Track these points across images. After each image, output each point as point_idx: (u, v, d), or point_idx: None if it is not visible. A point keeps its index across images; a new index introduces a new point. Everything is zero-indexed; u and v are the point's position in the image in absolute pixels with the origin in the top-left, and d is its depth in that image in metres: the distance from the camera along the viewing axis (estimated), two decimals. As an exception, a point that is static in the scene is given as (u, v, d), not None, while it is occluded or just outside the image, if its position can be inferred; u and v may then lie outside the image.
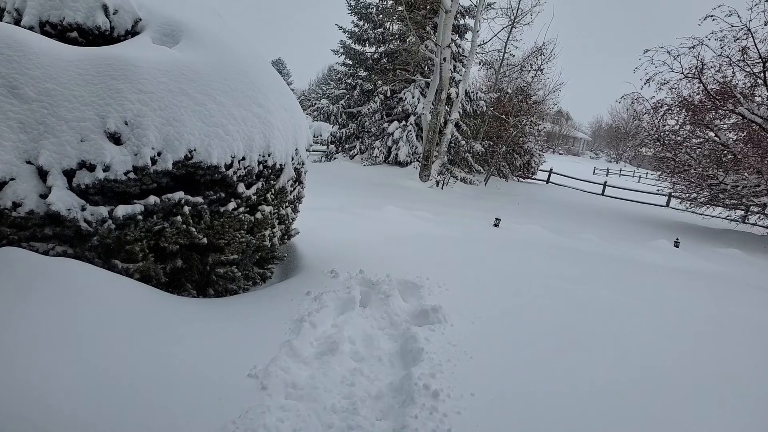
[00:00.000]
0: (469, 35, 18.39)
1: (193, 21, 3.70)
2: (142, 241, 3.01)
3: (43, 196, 2.68)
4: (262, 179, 3.62)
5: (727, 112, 12.99)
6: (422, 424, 2.30)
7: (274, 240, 3.98)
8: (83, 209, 2.75)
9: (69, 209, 2.70)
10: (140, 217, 2.92)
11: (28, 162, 2.68)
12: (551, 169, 21.88)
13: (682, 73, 13.40)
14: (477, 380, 2.75)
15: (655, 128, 14.88)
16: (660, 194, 18.30)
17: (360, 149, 18.44)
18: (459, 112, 17.23)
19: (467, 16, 18.49)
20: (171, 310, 2.88)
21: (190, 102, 3.12)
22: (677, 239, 9.76)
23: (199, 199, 3.20)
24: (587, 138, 63.52)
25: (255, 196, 3.58)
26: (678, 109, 14.06)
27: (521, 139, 19.42)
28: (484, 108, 18.30)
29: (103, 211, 2.80)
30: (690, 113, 13.67)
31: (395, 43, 18.43)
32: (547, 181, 21.64)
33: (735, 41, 12.46)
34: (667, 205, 18.70)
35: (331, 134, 19.25)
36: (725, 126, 13.76)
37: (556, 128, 51.19)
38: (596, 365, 3.07)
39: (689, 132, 14.20)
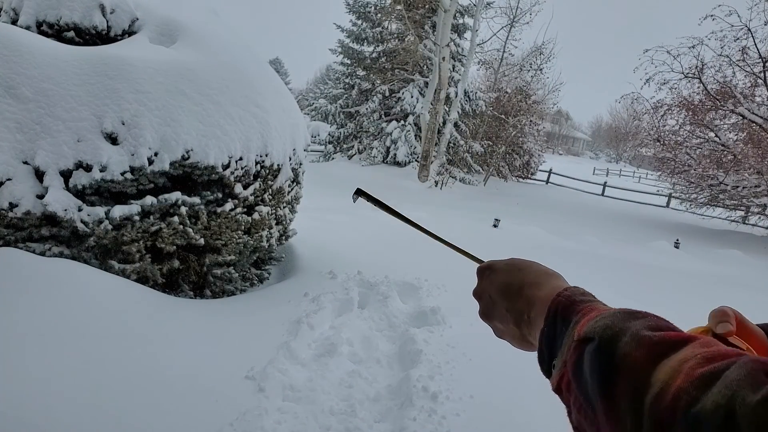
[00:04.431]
0: (468, 34, 18.34)
1: (191, 20, 3.68)
2: (139, 242, 3.00)
3: (40, 197, 2.66)
4: (259, 179, 3.60)
5: (727, 112, 12.98)
6: (421, 426, 2.29)
7: (271, 241, 3.97)
8: (80, 210, 2.74)
9: (65, 210, 2.69)
10: (137, 217, 2.90)
11: (25, 162, 2.67)
12: (551, 170, 21.84)
13: (682, 72, 13.39)
14: (476, 382, 2.74)
15: (655, 128, 14.86)
16: (660, 195, 18.28)
17: (358, 149, 18.41)
18: (458, 112, 17.21)
19: (466, 15, 18.45)
20: (168, 312, 2.86)
21: (187, 102, 3.10)
22: (677, 240, 9.75)
23: (196, 200, 3.19)
24: (587, 138, 63.50)
25: (252, 197, 3.56)
26: (678, 109, 14.05)
27: (521, 139, 19.39)
28: (483, 108, 18.26)
29: (100, 211, 2.79)
30: (690, 113, 13.66)
31: (394, 42, 18.40)
32: (547, 182, 21.62)
33: (735, 41, 12.45)
34: (667, 205, 18.68)
35: (329, 134, 19.20)
36: (725, 126, 13.75)
37: (555, 128, 51.15)
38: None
39: (689, 132, 14.19)
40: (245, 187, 3.49)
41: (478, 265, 0.65)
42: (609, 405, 0.36)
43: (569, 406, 0.42)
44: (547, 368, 0.49)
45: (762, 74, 12.05)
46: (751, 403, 0.27)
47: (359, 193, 0.82)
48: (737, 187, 12.89)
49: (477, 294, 0.64)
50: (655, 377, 0.33)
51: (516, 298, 0.57)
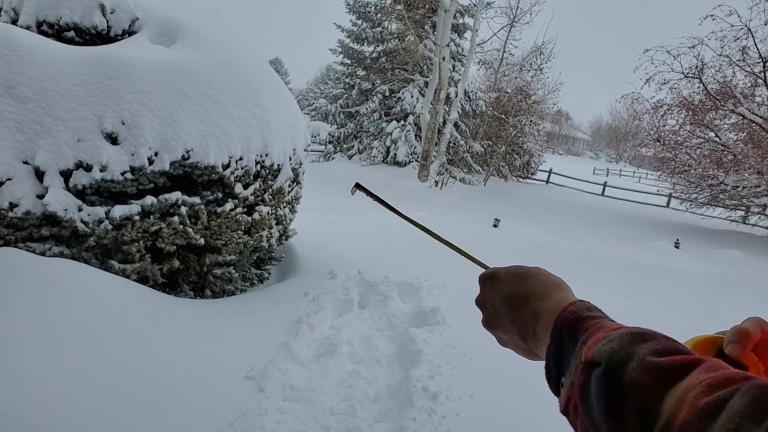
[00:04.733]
0: (468, 34, 18.33)
1: (191, 20, 3.68)
2: (139, 242, 3.00)
3: (40, 197, 2.66)
4: (259, 179, 3.60)
5: (727, 112, 12.97)
6: (421, 426, 2.29)
7: (271, 241, 3.97)
8: (80, 210, 2.74)
9: (66, 210, 2.69)
10: (137, 217, 2.90)
11: (25, 162, 2.66)
12: (551, 170, 21.83)
13: (683, 72, 13.38)
14: (476, 382, 2.74)
15: (655, 128, 14.84)
16: (660, 195, 18.27)
17: (358, 149, 18.40)
18: (458, 112, 17.20)
19: (466, 15, 18.44)
20: (168, 312, 2.86)
21: (187, 102, 3.10)
22: (677, 240, 9.73)
23: (196, 200, 3.19)
24: (587, 138, 63.47)
25: (252, 197, 3.56)
26: (678, 109, 14.03)
27: (521, 139, 19.39)
28: (484, 108, 18.26)
29: (100, 211, 2.79)
30: (690, 113, 13.64)
31: (394, 42, 18.40)
32: (547, 182, 21.61)
33: (735, 41, 12.43)
34: (668, 205, 18.68)
35: (329, 134, 19.20)
36: (725, 126, 13.73)
37: (555, 128, 51.10)
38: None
39: (689, 132, 14.17)
40: (245, 187, 3.49)
41: (481, 270, 0.63)
42: None
43: (576, 430, 0.42)
44: (555, 386, 0.48)
45: (762, 74, 12.04)
46: None
47: (358, 186, 0.82)
48: (737, 187, 12.87)
49: (480, 303, 0.62)
50: (663, 407, 0.33)
51: (520, 311, 0.55)
